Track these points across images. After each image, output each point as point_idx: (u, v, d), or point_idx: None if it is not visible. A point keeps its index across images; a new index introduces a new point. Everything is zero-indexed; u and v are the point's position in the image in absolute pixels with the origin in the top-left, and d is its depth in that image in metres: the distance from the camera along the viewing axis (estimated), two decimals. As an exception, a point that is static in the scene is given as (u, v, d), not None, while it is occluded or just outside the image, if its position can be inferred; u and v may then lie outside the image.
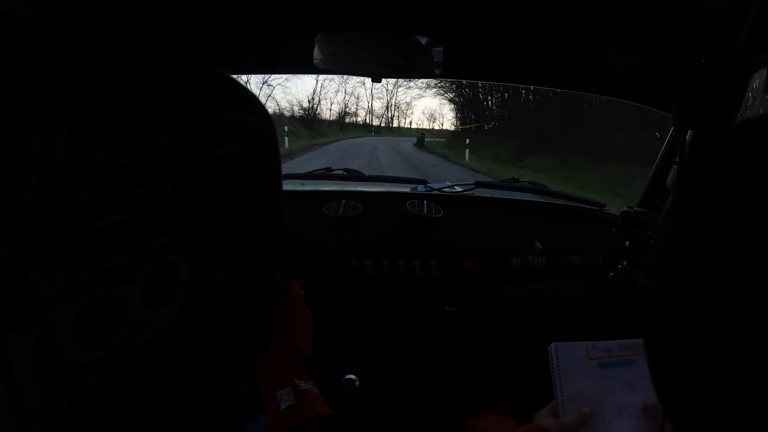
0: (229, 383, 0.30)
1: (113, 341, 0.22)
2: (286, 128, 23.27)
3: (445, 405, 1.27)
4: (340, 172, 1.79)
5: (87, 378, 0.21)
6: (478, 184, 1.73)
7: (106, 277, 0.21)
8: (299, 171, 1.69)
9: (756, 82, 0.87)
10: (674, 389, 0.27)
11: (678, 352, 0.26)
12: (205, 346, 0.26)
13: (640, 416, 0.75)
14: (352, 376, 1.24)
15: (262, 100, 0.34)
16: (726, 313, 0.23)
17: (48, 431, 0.20)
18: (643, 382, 0.76)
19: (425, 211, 1.46)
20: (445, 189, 1.70)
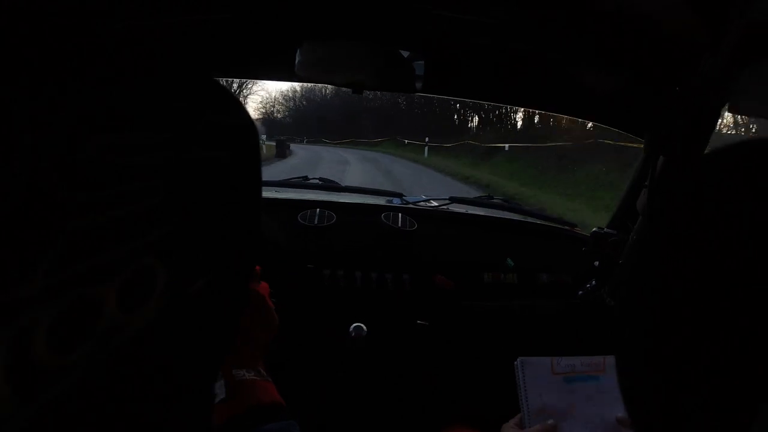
0: (203, 392, 0.30)
1: (87, 345, 0.21)
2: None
3: (417, 418, 1.25)
4: (316, 181, 1.80)
5: (60, 382, 0.20)
6: (453, 200, 1.75)
7: (83, 279, 0.21)
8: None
9: (725, 112, 0.91)
10: (643, 407, 0.28)
11: (646, 370, 0.27)
12: (178, 353, 0.25)
13: (603, 429, 0.80)
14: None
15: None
16: (691, 333, 0.24)
17: None
18: (605, 396, 0.82)
19: (399, 224, 1.46)
20: (420, 203, 1.71)
